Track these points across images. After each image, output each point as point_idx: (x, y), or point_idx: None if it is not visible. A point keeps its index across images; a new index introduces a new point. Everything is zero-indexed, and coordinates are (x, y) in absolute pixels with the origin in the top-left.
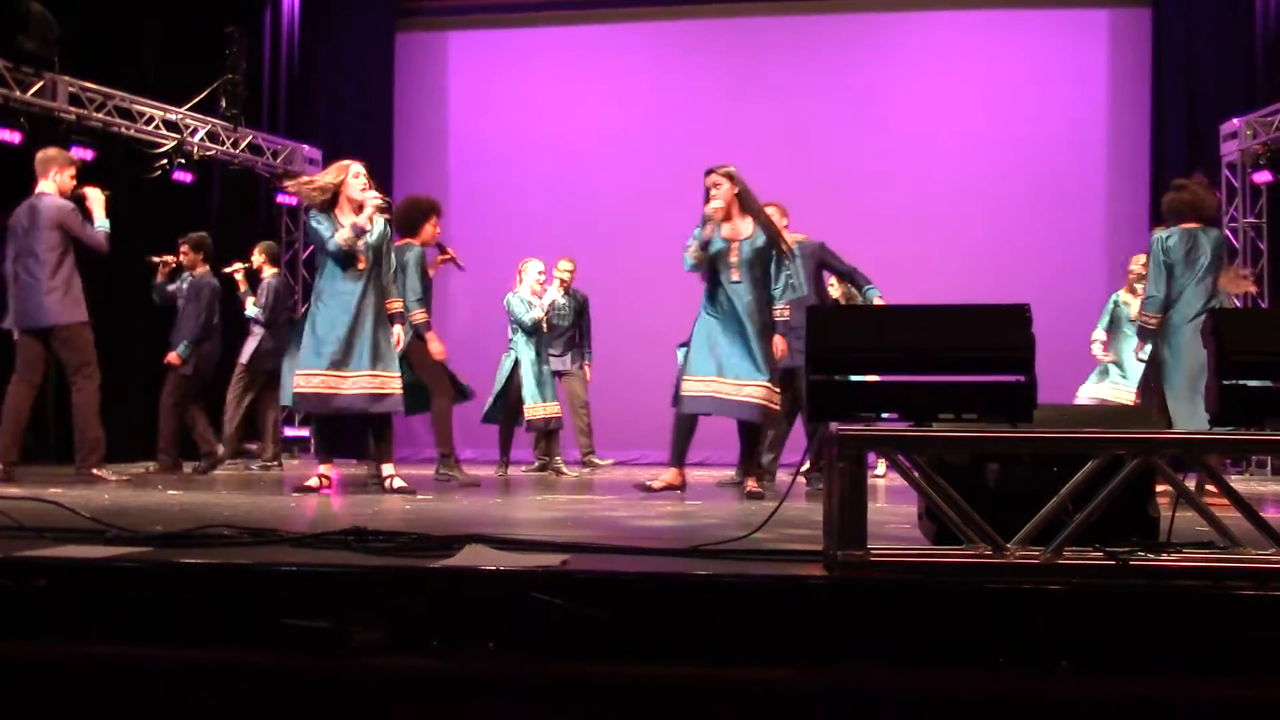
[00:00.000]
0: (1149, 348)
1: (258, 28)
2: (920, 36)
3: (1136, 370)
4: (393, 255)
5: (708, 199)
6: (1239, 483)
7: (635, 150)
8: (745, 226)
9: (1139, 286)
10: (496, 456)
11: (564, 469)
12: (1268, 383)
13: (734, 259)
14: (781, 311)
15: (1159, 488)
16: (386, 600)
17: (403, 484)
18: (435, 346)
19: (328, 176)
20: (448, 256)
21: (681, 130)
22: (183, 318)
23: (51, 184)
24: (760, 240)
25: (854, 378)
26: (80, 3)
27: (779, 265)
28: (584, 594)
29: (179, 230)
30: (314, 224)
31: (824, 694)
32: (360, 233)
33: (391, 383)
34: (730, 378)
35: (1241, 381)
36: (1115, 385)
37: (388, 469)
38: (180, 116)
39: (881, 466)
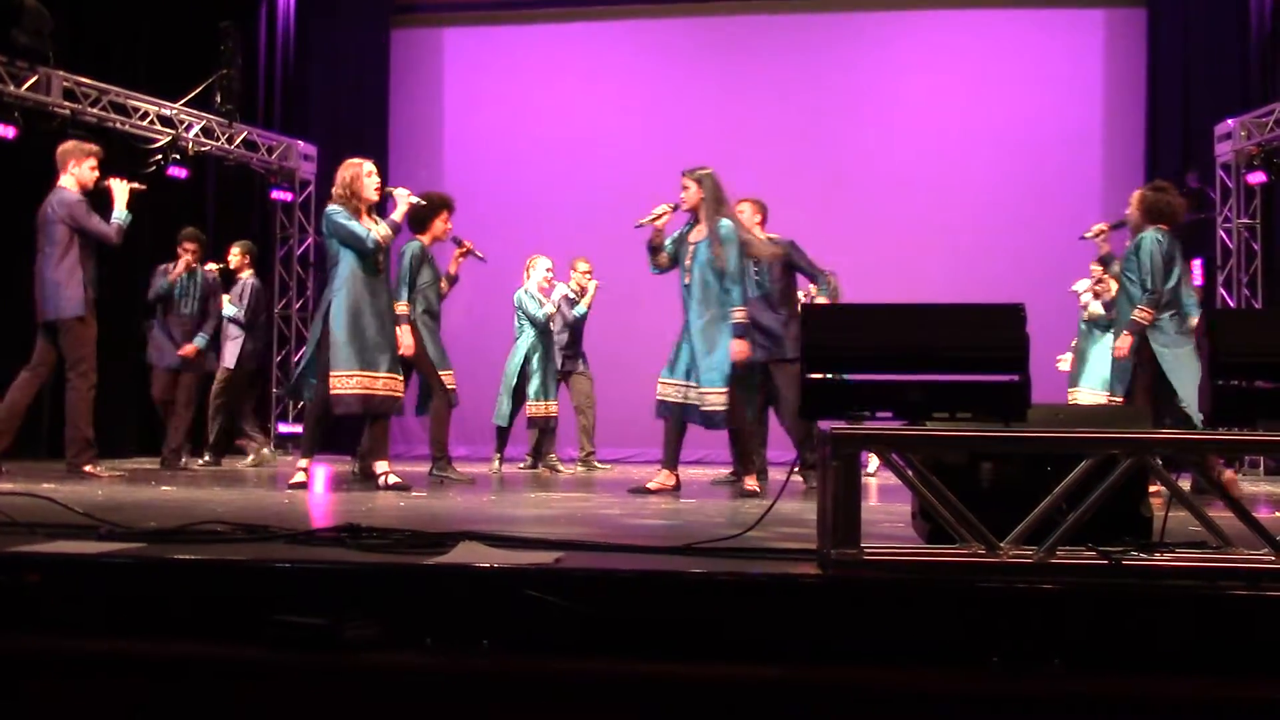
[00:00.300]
0: (1118, 343)
1: (253, 23)
2: (916, 35)
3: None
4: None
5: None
6: None
7: (631, 147)
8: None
9: (1098, 287)
10: (489, 454)
11: (559, 466)
12: (1261, 382)
13: (688, 263)
14: (734, 314)
15: (1152, 488)
16: (380, 597)
17: (398, 480)
18: (406, 341)
19: (347, 174)
20: (465, 249)
21: (677, 127)
22: (194, 314)
23: (70, 177)
24: (724, 251)
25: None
26: None
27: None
28: (578, 591)
29: (173, 226)
30: (343, 221)
31: (817, 692)
32: (398, 230)
33: (401, 384)
34: (677, 379)
35: (1234, 381)
36: (1094, 390)
37: (382, 466)
38: (175, 112)
39: (872, 464)
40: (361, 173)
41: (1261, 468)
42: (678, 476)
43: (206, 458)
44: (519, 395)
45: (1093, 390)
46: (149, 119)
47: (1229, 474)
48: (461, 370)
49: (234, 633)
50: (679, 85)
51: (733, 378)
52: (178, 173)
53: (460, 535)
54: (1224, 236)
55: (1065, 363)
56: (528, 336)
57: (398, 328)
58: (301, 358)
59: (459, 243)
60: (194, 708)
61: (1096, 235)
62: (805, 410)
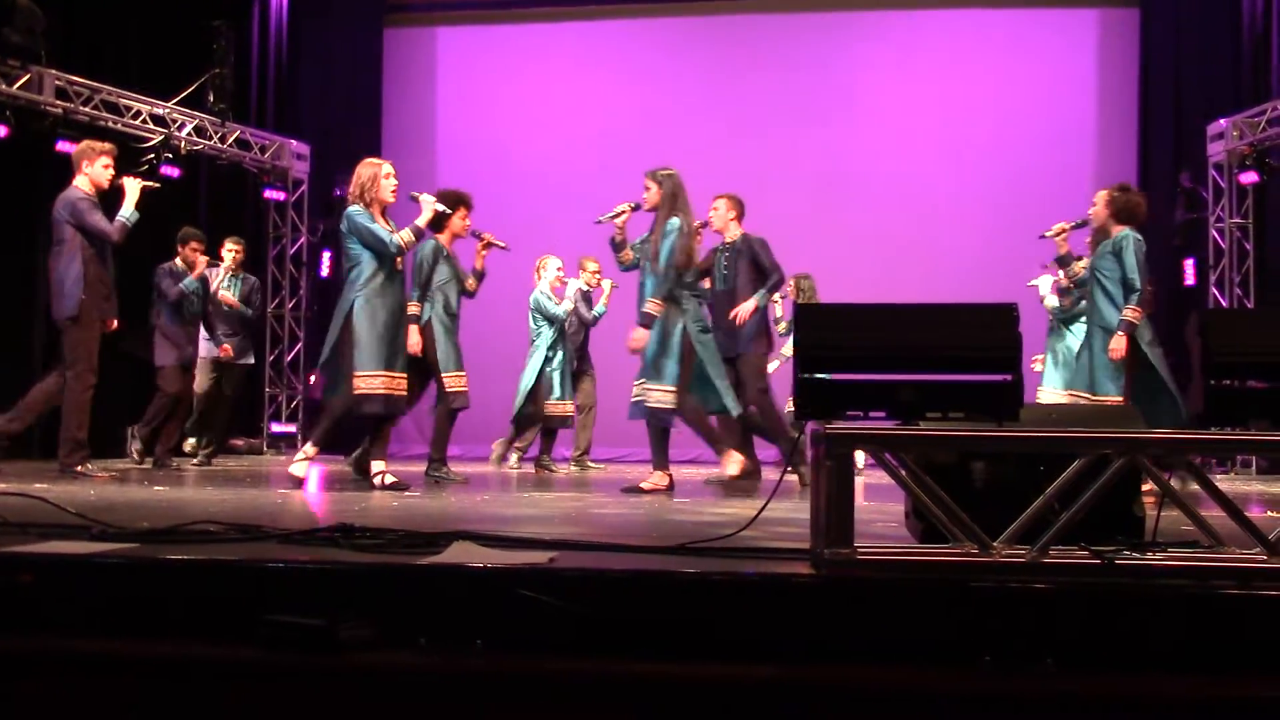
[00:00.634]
0: (1111, 342)
1: (246, 22)
2: (909, 35)
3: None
4: None
5: None
6: (1224, 482)
7: (624, 146)
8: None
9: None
10: (485, 454)
11: (552, 466)
12: (1253, 382)
13: (643, 263)
14: (647, 303)
15: (1144, 486)
16: (374, 597)
17: (394, 479)
18: (413, 340)
19: (365, 174)
20: (486, 242)
21: (670, 125)
22: (199, 313)
23: (84, 177)
24: (660, 244)
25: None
26: None
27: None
28: (571, 591)
29: (165, 225)
30: (365, 222)
31: (811, 692)
32: (420, 236)
33: (406, 384)
34: (638, 379)
35: (1227, 381)
36: (1055, 390)
37: (378, 465)
38: (167, 111)
39: (859, 460)
40: (380, 173)
41: (1254, 467)
42: (671, 476)
43: (198, 457)
44: (535, 394)
45: (1055, 390)
46: (141, 118)
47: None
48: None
49: (227, 633)
50: (672, 83)
51: (679, 374)
52: (170, 172)
53: (454, 535)
54: (1216, 236)
55: (1040, 364)
56: (547, 337)
57: (408, 327)
58: (324, 358)
59: (478, 236)
60: (187, 708)
61: (1058, 234)
62: (800, 409)
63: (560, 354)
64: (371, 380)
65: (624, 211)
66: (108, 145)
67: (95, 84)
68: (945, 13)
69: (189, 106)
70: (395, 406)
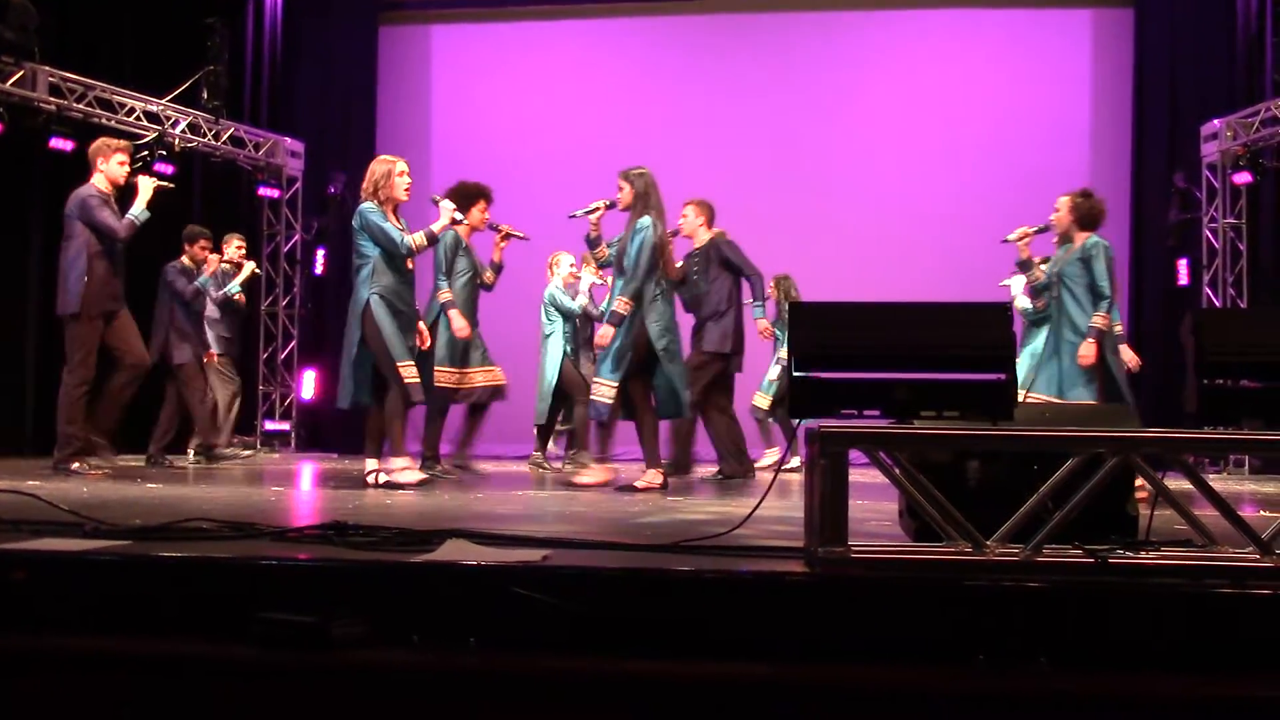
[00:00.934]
0: (1080, 348)
1: (240, 19)
2: (903, 34)
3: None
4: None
5: None
6: (1217, 482)
7: (618, 144)
8: None
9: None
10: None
11: (545, 465)
12: (1246, 381)
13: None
14: (617, 301)
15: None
16: (367, 595)
17: (387, 478)
18: (459, 324)
19: (379, 172)
20: (504, 233)
21: (665, 124)
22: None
23: (100, 175)
24: (629, 242)
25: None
26: None
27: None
28: (565, 589)
29: (158, 222)
30: (379, 221)
31: (804, 690)
32: (434, 240)
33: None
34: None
35: (1220, 380)
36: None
37: (372, 464)
38: (161, 108)
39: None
40: (394, 171)
41: (1246, 467)
42: (665, 474)
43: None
44: (560, 393)
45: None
46: (135, 115)
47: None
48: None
49: (220, 630)
50: (668, 81)
51: (628, 371)
52: (164, 169)
53: (448, 533)
54: (1210, 236)
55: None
56: (561, 332)
57: (448, 312)
58: (353, 360)
59: (496, 229)
60: (180, 705)
61: (1020, 238)
62: (793, 408)
63: (571, 350)
64: (409, 370)
65: (599, 208)
66: (123, 142)
67: (89, 81)
68: (939, 12)
69: (183, 104)
70: (418, 397)
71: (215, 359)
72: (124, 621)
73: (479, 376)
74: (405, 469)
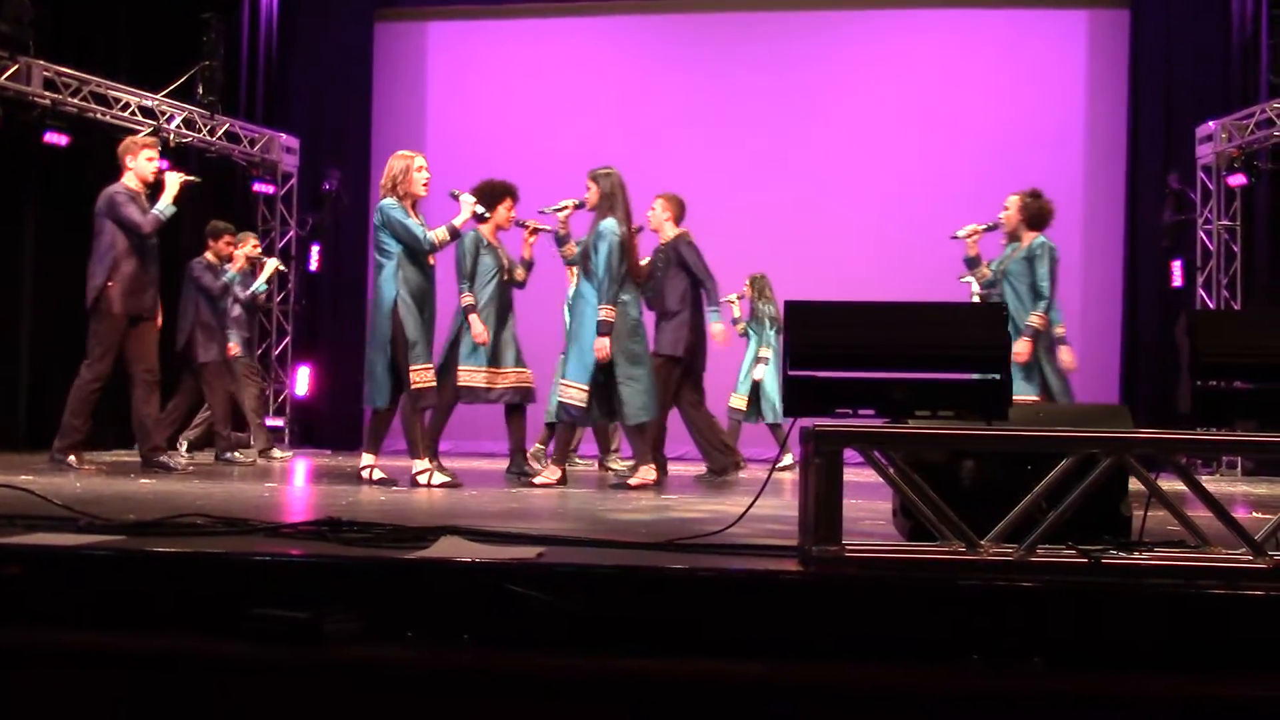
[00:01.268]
0: (1015, 346)
1: (236, 14)
2: (897, 34)
3: None
4: None
5: None
6: (1210, 483)
7: (613, 141)
8: None
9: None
10: (505, 450)
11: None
12: (1239, 383)
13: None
14: (599, 310)
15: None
16: (362, 591)
17: (382, 475)
18: (478, 329)
19: (397, 167)
20: (532, 229)
21: (660, 121)
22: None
23: (130, 173)
24: (592, 245)
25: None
26: None
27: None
28: (560, 587)
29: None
30: (400, 218)
31: (798, 689)
32: (456, 235)
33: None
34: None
35: (1214, 381)
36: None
37: (368, 459)
38: (156, 103)
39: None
40: (412, 166)
41: (1239, 468)
42: (658, 470)
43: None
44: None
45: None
46: (130, 110)
47: None
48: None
49: (214, 626)
50: (663, 80)
51: (592, 375)
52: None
53: (442, 530)
54: (1204, 238)
55: None
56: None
57: (468, 317)
58: (387, 360)
59: (524, 225)
60: (174, 701)
61: (969, 235)
62: (788, 406)
63: None
64: (424, 374)
65: (567, 207)
66: (151, 139)
67: (84, 75)
68: (935, 12)
69: (178, 99)
70: (429, 401)
71: (238, 357)
72: (118, 617)
73: (510, 377)
74: (424, 470)
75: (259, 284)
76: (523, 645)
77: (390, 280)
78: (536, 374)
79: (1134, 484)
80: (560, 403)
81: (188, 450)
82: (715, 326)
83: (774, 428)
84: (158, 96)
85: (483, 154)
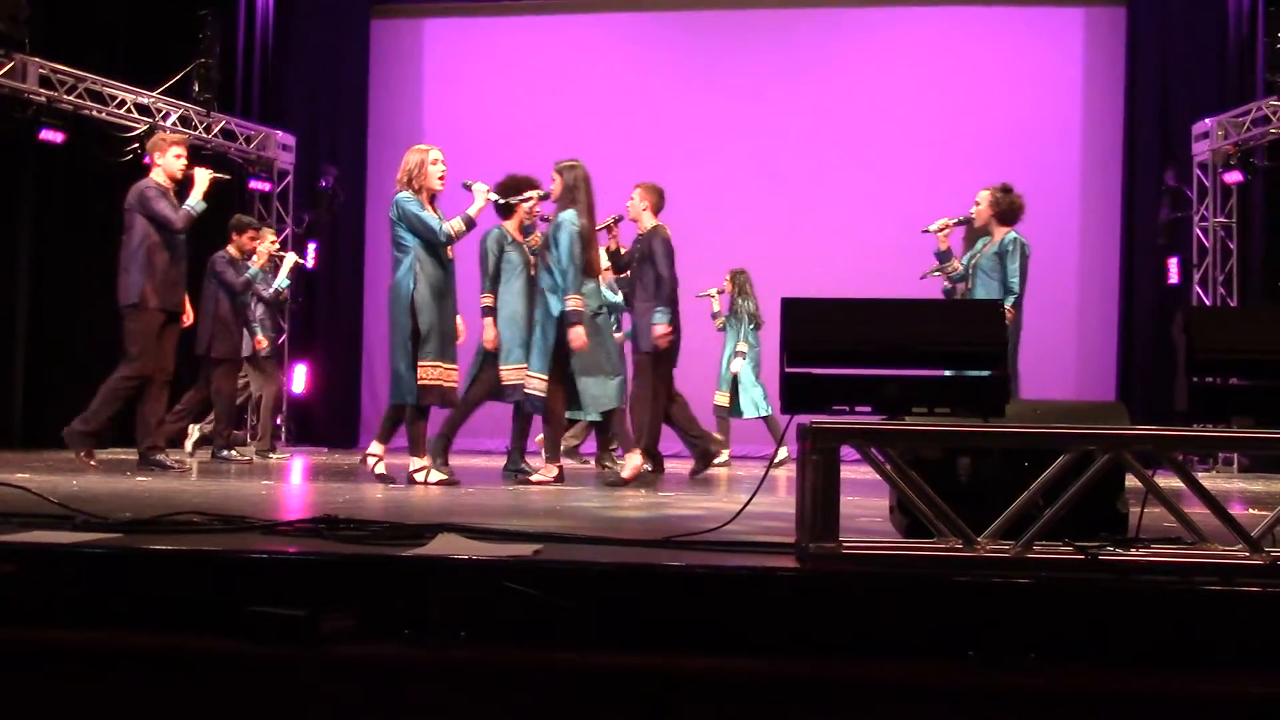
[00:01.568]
0: None
1: (232, 11)
2: (895, 32)
3: None
4: None
5: None
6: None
7: (609, 138)
8: None
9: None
10: (503, 447)
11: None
12: (1235, 379)
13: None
14: (565, 301)
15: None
16: (358, 588)
17: (383, 471)
18: (489, 334)
19: (412, 160)
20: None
21: (657, 118)
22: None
23: (159, 170)
24: (552, 236)
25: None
26: None
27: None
28: (556, 584)
29: None
30: (416, 210)
31: (795, 685)
32: (472, 225)
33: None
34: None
35: (1210, 378)
36: None
37: (377, 448)
38: (152, 100)
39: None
40: (427, 159)
41: (1235, 464)
42: (645, 456)
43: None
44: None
45: None
46: (126, 107)
47: None
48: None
49: (210, 624)
50: (659, 77)
51: (552, 365)
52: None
53: (439, 527)
54: (1200, 235)
55: None
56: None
57: (483, 319)
58: (411, 354)
59: (548, 220)
60: (169, 699)
61: (939, 230)
62: (785, 403)
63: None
64: (431, 371)
65: (531, 198)
66: (179, 135)
67: (80, 72)
68: (931, 10)
69: (174, 96)
70: (450, 398)
71: (268, 355)
72: (113, 614)
73: (512, 374)
74: (421, 468)
75: (280, 280)
76: (519, 642)
77: (407, 274)
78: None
79: (1130, 480)
80: (526, 394)
81: (196, 443)
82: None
83: (767, 420)
84: (154, 94)
85: (479, 151)
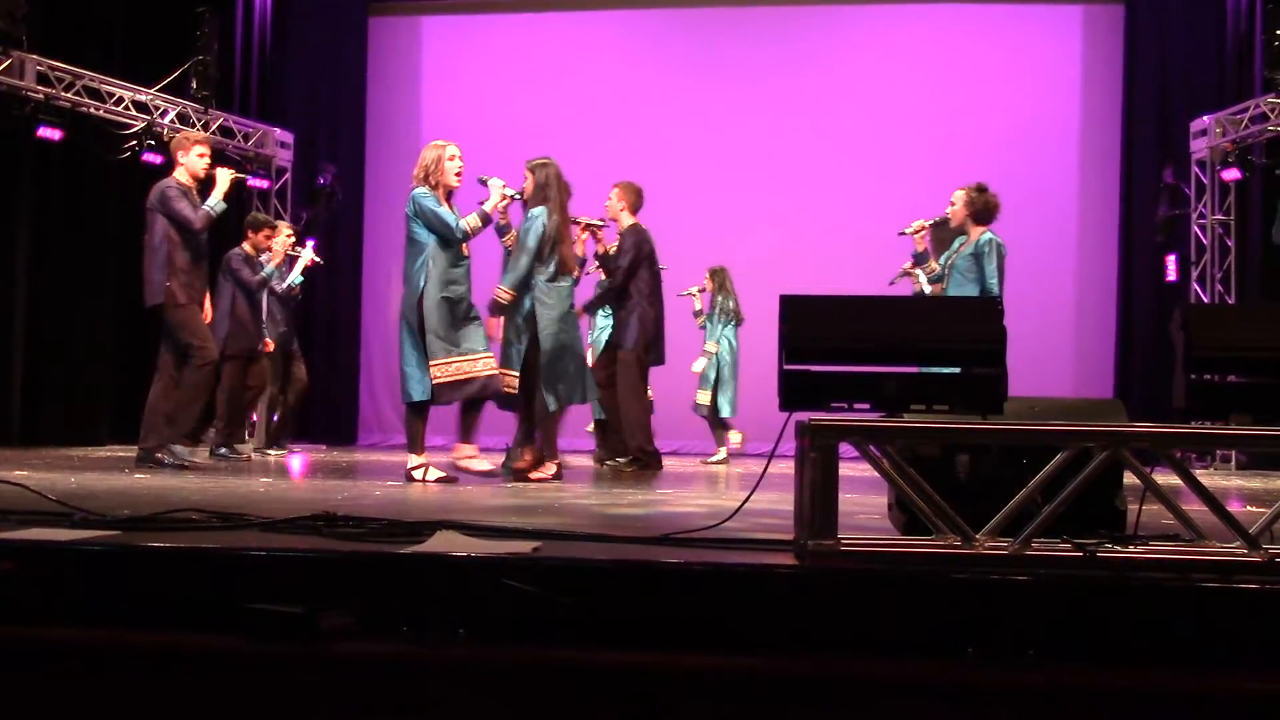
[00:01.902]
0: None
1: (230, 8)
2: (892, 29)
3: None
4: None
5: None
6: (1204, 477)
7: (607, 135)
8: None
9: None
10: (502, 445)
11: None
12: (1233, 377)
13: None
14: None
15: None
16: (356, 586)
17: (439, 474)
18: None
19: (429, 156)
20: (584, 225)
21: (656, 116)
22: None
23: (181, 169)
24: (523, 233)
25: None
26: None
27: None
28: (555, 581)
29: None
30: (433, 207)
31: (794, 682)
32: (488, 221)
33: (494, 361)
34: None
35: (1208, 375)
36: None
37: (416, 459)
38: (150, 97)
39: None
40: (444, 156)
41: (1233, 462)
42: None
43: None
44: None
45: None
46: (123, 104)
47: None
48: None
49: (209, 621)
50: (658, 75)
51: (527, 360)
52: (153, 159)
53: (437, 524)
54: (1198, 232)
55: None
56: (604, 329)
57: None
58: (421, 352)
59: (575, 221)
60: (167, 697)
61: (916, 231)
62: (784, 400)
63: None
64: (445, 368)
65: (505, 197)
66: (202, 134)
67: (77, 70)
68: (928, 7)
69: (172, 93)
70: (489, 388)
71: (271, 350)
72: (111, 612)
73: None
74: (419, 466)
75: (294, 276)
76: (518, 640)
77: (418, 272)
78: None
79: (1129, 478)
80: (502, 392)
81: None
82: (701, 319)
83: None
84: (151, 91)
85: (477, 149)
